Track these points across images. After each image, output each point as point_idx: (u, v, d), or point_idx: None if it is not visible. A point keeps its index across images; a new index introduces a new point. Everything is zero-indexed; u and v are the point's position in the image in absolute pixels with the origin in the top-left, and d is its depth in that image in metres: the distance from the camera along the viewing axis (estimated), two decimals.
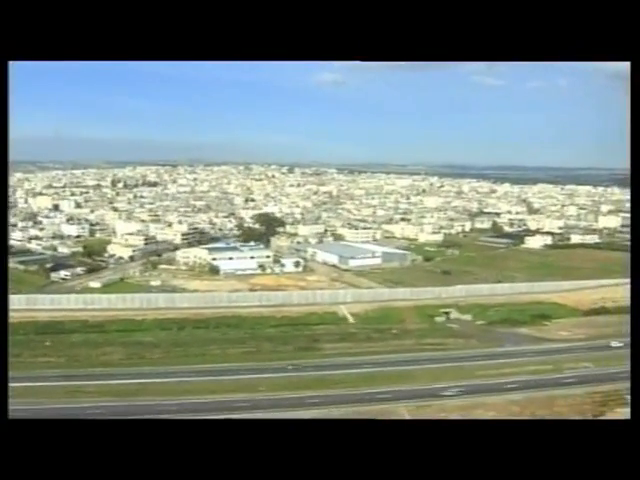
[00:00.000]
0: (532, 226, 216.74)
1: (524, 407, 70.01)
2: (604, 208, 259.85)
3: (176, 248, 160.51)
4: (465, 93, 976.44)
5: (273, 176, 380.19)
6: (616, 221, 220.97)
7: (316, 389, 74.39)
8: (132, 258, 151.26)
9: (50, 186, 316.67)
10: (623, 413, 71.85)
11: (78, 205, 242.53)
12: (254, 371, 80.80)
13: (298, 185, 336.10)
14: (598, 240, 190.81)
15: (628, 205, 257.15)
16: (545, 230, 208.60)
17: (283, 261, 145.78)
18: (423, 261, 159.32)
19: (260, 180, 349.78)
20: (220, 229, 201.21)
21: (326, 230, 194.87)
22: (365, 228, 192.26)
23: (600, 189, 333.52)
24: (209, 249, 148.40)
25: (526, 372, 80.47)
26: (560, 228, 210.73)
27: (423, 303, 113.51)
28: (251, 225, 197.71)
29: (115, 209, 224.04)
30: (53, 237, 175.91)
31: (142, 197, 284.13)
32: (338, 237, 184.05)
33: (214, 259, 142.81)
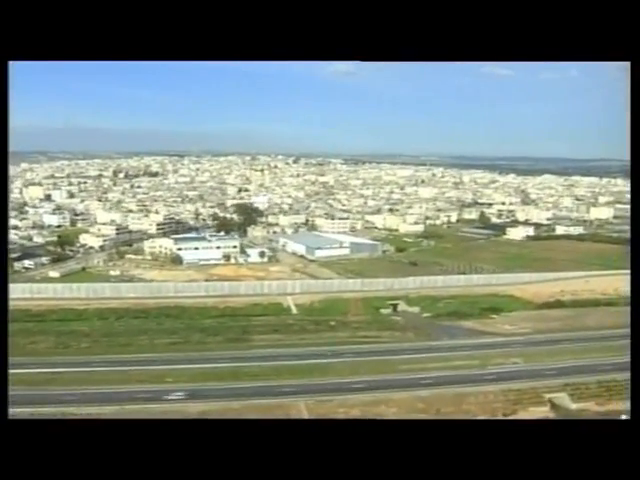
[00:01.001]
0: (520, 217, 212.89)
1: (430, 404, 67.77)
2: (602, 199, 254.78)
3: (150, 238, 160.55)
4: (478, 84, 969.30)
5: (276, 166, 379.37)
6: (608, 212, 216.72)
7: (225, 381, 73.13)
8: (102, 248, 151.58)
9: (52, 176, 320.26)
10: (536, 412, 69.16)
11: (71, 195, 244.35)
12: (170, 362, 79.72)
13: (298, 175, 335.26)
14: (583, 231, 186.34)
15: (628, 196, 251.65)
16: (533, 221, 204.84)
17: (248, 251, 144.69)
18: (395, 252, 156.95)
19: (260, 170, 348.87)
20: (204, 219, 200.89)
21: (307, 221, 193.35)
22: (342, 218, 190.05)
23: (605, 180, 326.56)
24: (175, 239, 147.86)
25: (450, 367, 78.11)
26: (548, 219, 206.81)
27: (373, 295, 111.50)
28: (228, 215, 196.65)
29: (100, 199, 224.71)
30: (33, 227, 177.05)
31: (139, 187, 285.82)
32: (315, 228, 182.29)
33: (179, 249, 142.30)
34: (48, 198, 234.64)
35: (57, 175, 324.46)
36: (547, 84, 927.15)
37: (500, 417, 66.75)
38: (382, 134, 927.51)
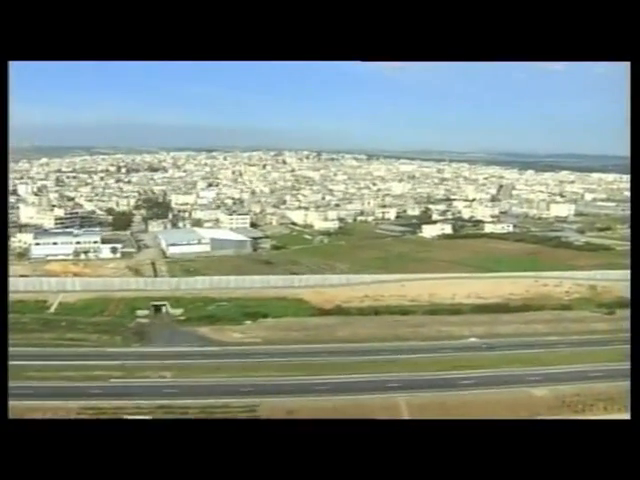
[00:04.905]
0: (466, 214, 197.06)
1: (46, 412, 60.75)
2: (588, 196, 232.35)
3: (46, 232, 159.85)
4: (532, 80, 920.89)
5: (284, 161, 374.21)
6: (568, 210, 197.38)
7: None
8: None
9: (59, 170, 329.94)
10: None
11: (40, 190, 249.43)
12: None
13: (292, 171, 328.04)
14: (511, 230, 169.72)
15: (626, 194, 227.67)
16: (476, 219, 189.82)
17: (101, 247, 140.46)
18: (270, 249, 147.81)
19: (257, 166, 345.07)
20: (134, 213, 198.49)
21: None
22: (242, 214, 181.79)
23: (616, 176, 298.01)
24: (36, 234, 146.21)
25: (86, 378, 70.07)
26: (493, 216, 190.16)
27: (146, 295, 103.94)
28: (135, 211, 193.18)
29: (37, 194, 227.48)
30: None
31: (128, 182, 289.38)
32: (201, 224, 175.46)
33: (37, 244, 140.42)
34: (14, 192, 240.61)
35: (63, 170, 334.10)
36: (601, 78, 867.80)
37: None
38: (431, 129, 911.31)
